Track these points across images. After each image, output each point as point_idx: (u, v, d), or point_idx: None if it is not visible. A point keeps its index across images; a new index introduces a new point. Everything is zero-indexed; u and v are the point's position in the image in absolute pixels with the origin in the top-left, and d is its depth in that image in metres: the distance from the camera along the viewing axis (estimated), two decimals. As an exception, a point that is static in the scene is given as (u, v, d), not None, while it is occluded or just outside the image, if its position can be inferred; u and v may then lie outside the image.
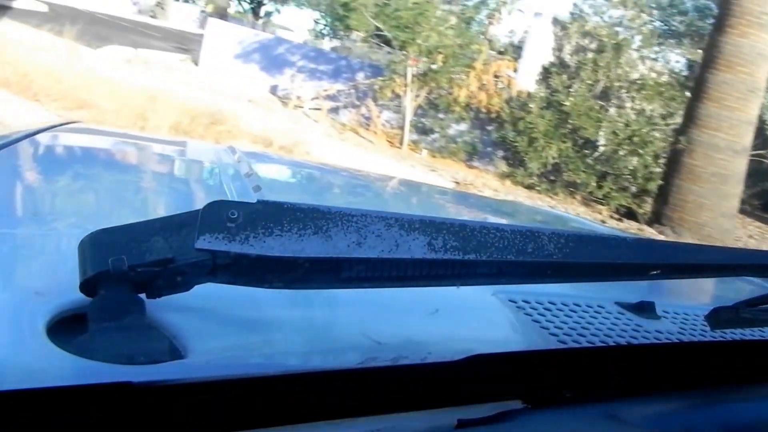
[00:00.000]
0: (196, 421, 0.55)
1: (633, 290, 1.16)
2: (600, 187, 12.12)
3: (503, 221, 1.87)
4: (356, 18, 13.83)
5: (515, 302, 0.99)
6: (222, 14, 28.10)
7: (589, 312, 1.03)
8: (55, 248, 0.89)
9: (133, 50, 15.96)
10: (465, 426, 0.62)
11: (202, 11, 34.10)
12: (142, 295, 0.66)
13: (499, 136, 13.32)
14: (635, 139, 12.18)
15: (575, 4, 14.19)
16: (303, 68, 15.66)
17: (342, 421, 0.60)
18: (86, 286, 0.64)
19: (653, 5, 13.95)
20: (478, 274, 0.72)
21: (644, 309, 1.08)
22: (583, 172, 12.26)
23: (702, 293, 1.45)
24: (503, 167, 13.10)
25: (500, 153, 13.52)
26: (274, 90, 15.60)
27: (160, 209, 1.20)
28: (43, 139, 1.64)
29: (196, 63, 16.70)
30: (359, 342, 0.77)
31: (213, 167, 1.66)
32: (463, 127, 13.88)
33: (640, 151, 12.15)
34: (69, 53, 10.74)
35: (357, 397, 0.62)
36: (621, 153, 12.42)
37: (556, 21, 14.31)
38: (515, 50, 15.99)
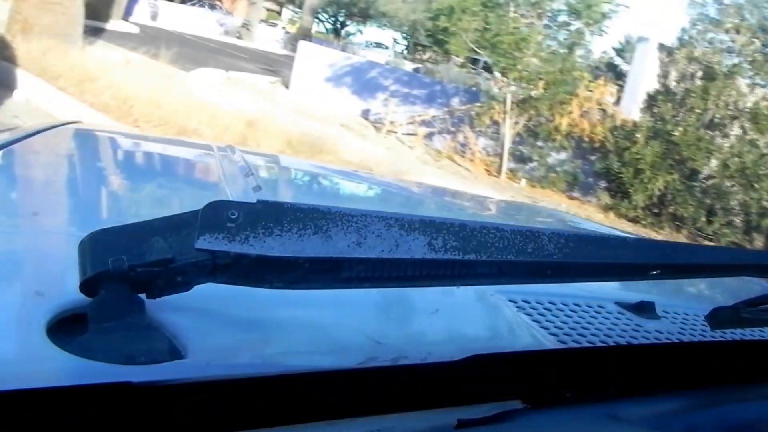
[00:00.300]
0: (196, 422, 0.55)
1: (633, 290, 1.17)
2: (710, 222, 11.42)
3: (504, 221, 1.83)
4: (455, 43, 13.51)
5: (515, 302, 0.99)
6: (306, 35, 28.36)
7: (589, 312, 1.03)
8: (54, 248, 0.88)
9: (225, 72, 15.90)
10: (465, 426, 0.62)
11: (286, 32, 34.39)
12: (142, 295, 0.65)
13: (602, 167, 12.77)
14: (748, 171, 11.45)
15: (683, 29, 13.50)
16: (396, 92, 15.40)
17: (342, 421, 0.60)
18: (86, 286, 0.64)
19: (758, 29, 13.13)
20: (478, 274, 0.71)
21: (644, 309, 1.08)
22: (691, 205, 11.59)
23: (702, 293, 1.42)
24: (606, 199, 12.59)
25: (602, 184, 12.97)
26: (365, 114, 15.59)
27: (159, 209, 1.16)
28: (42, 138, 1.65)
29: (286, 85, 16.69)
30: (359, 342, 0.77)
31: (213, 167, 1.66)
32: (563, 156, 13.37)
33: (756, 185, 11.41)
34: (166, 77, 10.76)
35: (357, 397, 0.62)
36: (732, 186, 11.70)
37: (662, 47, 13.67)
38: (593, 71, 15.45)
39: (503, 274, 0.72)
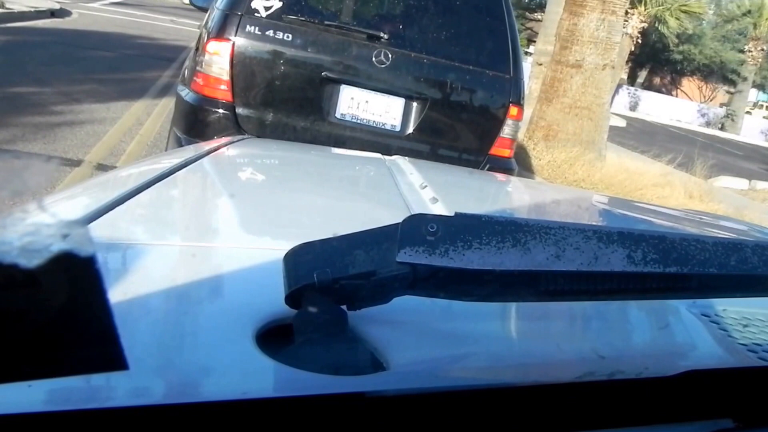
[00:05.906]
0: None
1: None
2: None
3: (697, 232, 1.76)
4: None
5: (708, 317, 0.93)
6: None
7: None
8: (254, 261, 0.90)
9: (746, 182, 13.37)
10: None
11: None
12: (343, 307, 0.69)
13: None
14: None
15: None
16: None
17: None
18: (291, 298, 0.67)
19: None
20: (678, 288, 0.69)
21: None
22: None
23: None
24: None
25: None
26: None
27: (347, 222, 1.16)
28: (224, 153, 1.74)
29: None
30: (584, 355, 0.75)
31: (387, 178, 1.65)
32: None
33: None
34: (698, 189, 9.39)
35: (571, 412, 0.61)
36: None
37: None
38: None
39: (705, 287, 0.70)
